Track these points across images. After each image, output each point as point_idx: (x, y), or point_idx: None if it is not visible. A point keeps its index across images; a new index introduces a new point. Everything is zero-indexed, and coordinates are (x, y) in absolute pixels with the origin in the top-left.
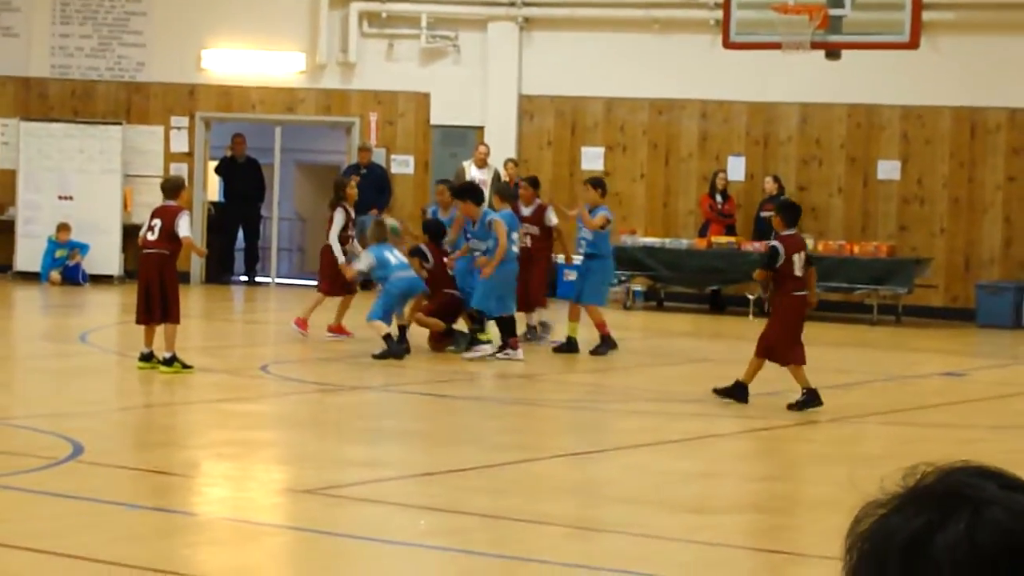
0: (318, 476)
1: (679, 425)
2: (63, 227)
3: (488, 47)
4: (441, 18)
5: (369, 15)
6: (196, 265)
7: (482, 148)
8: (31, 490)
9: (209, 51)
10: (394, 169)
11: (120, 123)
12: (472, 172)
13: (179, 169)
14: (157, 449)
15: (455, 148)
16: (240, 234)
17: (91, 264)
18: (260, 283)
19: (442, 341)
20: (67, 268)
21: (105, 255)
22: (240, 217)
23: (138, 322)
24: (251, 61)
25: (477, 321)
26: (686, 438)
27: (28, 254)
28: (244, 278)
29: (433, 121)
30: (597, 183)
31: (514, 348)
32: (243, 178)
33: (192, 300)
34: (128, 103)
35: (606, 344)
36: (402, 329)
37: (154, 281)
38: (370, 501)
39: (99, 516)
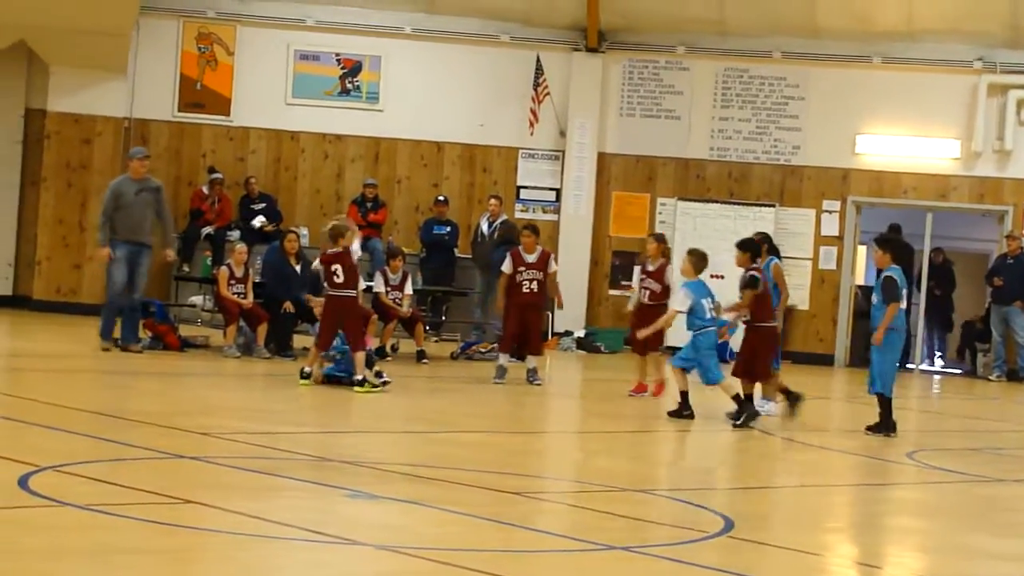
0: (961, 567)
1: None
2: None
3: None
4: None
5: None
6: (840, 348)
7: None
8: (685, 561)
9: (864, 136)
10: None
11: (773, 205)
12: None
13: (828, 252)
14: (803, 529)
15: None
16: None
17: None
18: (908, 368)
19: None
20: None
21: None
22: None
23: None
24: (905, 147)
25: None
26: None
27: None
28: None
29: None
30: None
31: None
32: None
33: (836, 382)
34: (782, 186)
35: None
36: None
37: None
38: None
39: None
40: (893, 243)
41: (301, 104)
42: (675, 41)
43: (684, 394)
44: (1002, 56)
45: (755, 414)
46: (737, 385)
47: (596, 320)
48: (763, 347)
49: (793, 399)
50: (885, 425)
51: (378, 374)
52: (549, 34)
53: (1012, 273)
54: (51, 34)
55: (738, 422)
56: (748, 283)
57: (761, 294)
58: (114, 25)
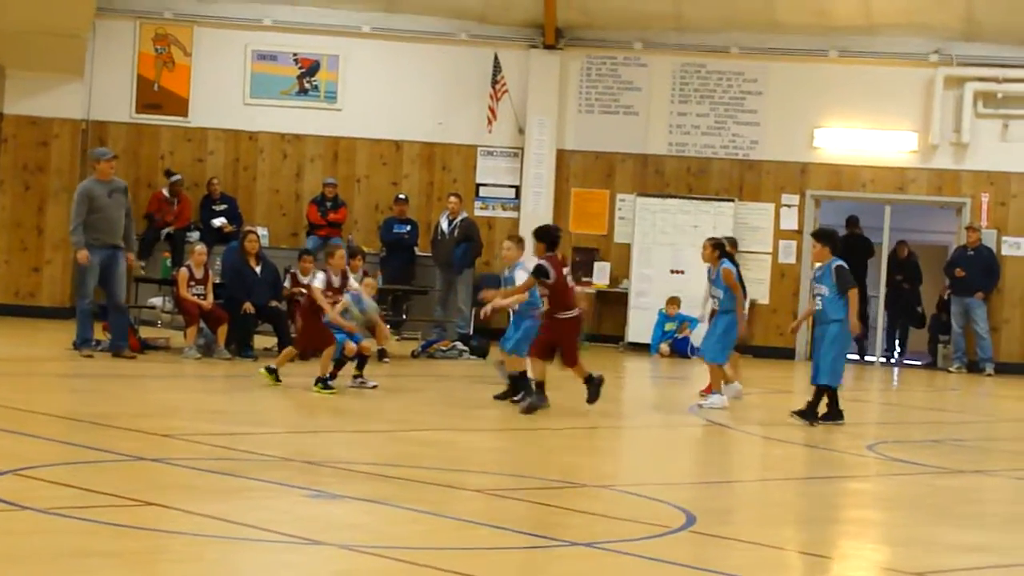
0: (922, 559)
1: None
2: (672, 300)
3: None
4: None
5: (984, 95)
6: (800, 342)
7: None
8: (648, 557)
9: (821, 130)
10: (1005, 251)
11: (732, 200)
12: None
13: (788, 247)
14: (766, 523)
15: None
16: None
17: (699, 338)
18: (868, 361)
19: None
20: (676, 341)
21: None
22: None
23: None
24: (863, 140)
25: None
26: None
27: (639, 326)
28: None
29: None
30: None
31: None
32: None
33: (796, 375)
34: (741, 180)
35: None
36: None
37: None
38: None
39: None
40: (830, 236)
41: (259, 104)
42: (632, 37)
43: (539, 384)
44: (958, 49)
45: (539, 398)
46: (526, 365)
47: None
48: (567, 337)
49: (593, 389)
50: (811, 413)
51: (360, 381)
52: (506, 31)
53: (973, 265)
54: (6, 37)
55: (517, 399)
56: (536, 272)
57: (556, 284)
58: (70, 27)
